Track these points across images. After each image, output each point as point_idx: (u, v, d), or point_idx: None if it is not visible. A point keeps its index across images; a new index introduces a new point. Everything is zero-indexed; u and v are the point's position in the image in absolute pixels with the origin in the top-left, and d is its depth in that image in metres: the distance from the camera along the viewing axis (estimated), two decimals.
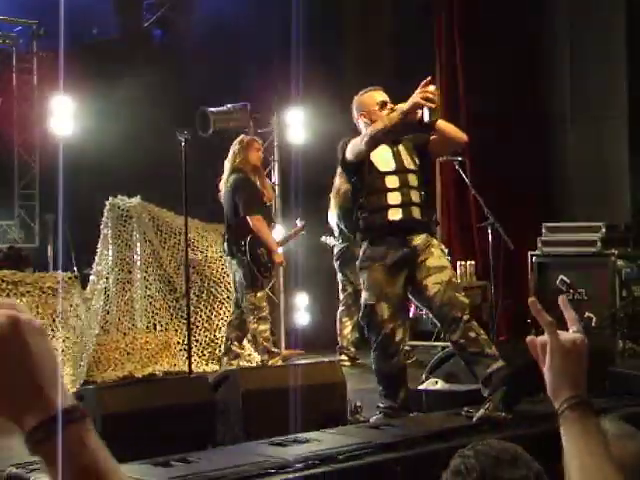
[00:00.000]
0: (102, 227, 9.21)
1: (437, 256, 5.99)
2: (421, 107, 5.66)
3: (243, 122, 10.64)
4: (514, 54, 10.72)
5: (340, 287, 9.54)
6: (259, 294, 8.29)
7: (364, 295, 5.96)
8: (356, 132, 6.17)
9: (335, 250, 9.48)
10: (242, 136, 8.66)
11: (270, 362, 8.27)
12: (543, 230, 9.55)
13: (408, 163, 6.06)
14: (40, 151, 10.91)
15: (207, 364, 9.44)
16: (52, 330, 7.89)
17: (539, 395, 5.55)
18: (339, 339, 9.54)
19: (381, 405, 5.98)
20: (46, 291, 7.94)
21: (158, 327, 9.41)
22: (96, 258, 9.14)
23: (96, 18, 11.59)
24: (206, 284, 9.55)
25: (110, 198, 9.24)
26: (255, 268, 8.16)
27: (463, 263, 9.93)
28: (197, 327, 9.30)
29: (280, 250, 8.58)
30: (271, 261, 8.26)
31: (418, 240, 5.92)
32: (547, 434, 2.41)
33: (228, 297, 9.75)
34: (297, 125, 10.83)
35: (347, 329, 9.44)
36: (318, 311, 11.00)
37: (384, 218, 5.92)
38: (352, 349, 9.30)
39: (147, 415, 4.90)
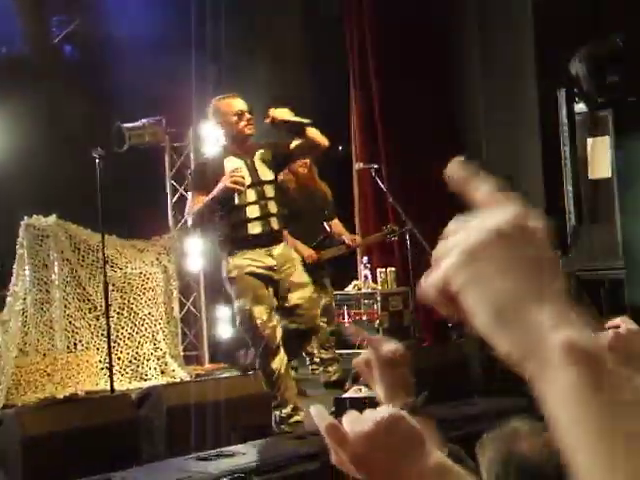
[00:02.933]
0: (17, 247, 9.07)
1: (300, 271, 6.36)
2: (232, 191, 5.99)
3: (158, 137, 10.59)
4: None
5: None
6: None
7: (238, 303, 6.15)
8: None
9: None
10: None
11: None
12: None
13: (264, 175, 6.27)
14: None
15: (130, 382, 9.36)
16: None
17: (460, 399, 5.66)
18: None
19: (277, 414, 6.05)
20: None
21: (79, 346, 9.29)
22: (12, 279, 8.99)
23: (3, 36, 11.41)
24: (126, 301, 9.46)
25: (25, 218, 9.11)
26: None
27: (383, 270, 9.99)
28: (119, 345, 9.20)
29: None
30: None
31: (278, 250, 6.24)
32: (470, 437, 2.43)
33: (150, 313, 9.68)
34: (212, 138, 10.80)
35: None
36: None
37: (245, 231, 6.16)
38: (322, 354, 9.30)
39: (69, 436, 4.84)
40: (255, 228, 6.19)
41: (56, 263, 9.23)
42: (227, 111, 6.29)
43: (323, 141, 6.31)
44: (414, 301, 9.04)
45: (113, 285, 9.00)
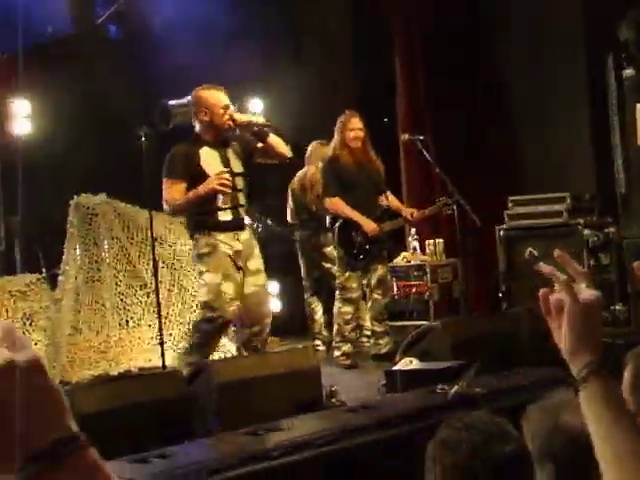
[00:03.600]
0: (68, 226, 9.14)
1: (257, 257, 6.67)
2: (217, 192, 6.24)
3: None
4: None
5: (304, 273, 9.54)
6: (347, 274, 8.26)
7: (207, 276, 6.38)
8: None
9: (298, 236, 9.53)
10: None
11: (339, 346, 8.29)
12: (509, 204, 9.57)
13: (235, 167, 6.49)
14: (1, 154, 10.80)
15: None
16: (23, 332, 7.83)
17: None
18: (311, 324, 9.54)
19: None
20: (14, 294, 7.89)
21: (131, 323, 9.37)
22: (64, 258, 9.08)
23: (50, 16, 11.48)
24: (176, 277, 9.52)
25: (74, 197, 9.18)
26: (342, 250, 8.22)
27: (431, 242, 9.95)
28: (170, 321, 9.27)
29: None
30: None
31: (245, 235, 6.51)
32: (518, 407, 2.41)
33: (196, 290, 9.73)
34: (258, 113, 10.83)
35: (317, 314, 9.45)
36: (290, 297, 10.99)
37: (215, 219, 6.41)
38: (325, 333, 9.30)
39: (122, 413, 4.88)
40: (225, 216, 6.43)
41: (106, 241, 9.30)
42: (214, 102, 6.46)
43: (284, 151, 6.60)
44: (463, 272, 9.00)
45: (162, 262, 9.05)
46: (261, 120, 6.61)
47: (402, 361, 6.47)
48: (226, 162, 6.47)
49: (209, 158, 6.43)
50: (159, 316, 6.24)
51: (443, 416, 4.26)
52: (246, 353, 6.49)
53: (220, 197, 6.40)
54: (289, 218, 9.70)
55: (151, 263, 8.61)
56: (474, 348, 6.18)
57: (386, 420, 4.92)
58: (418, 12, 10.87)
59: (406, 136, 8.86)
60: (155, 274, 6.24)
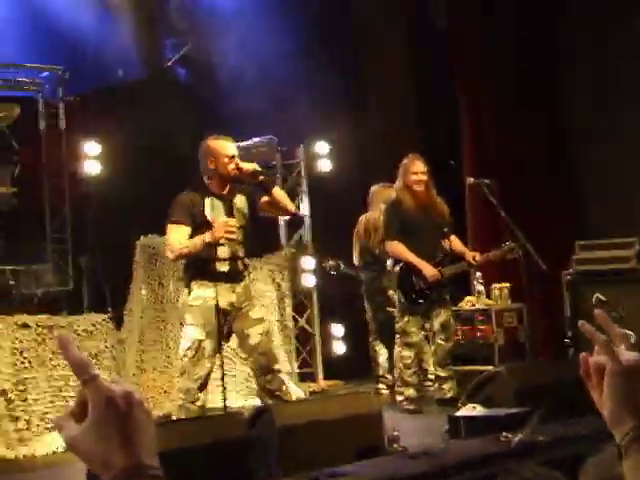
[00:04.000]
0: (134, 267, 9.25)
1: (258, 308, 6.81)
2: (221, 240, 6.24)
3: (269, 155, 10.70)
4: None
5: (369, 316, 9.50)
6: (406, 319, 8.25)
7: (192, 330, 6.37)
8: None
9: (363, 279, 9.50)
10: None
11: (401, 391, 8.26)
12: (576, 248, 9.46)
13: (238, 220, 6.50)
14: (70, 194, 10.99)
15: (245, 399, 9.44)
16: None
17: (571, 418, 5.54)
18: (375, 367, 9.49)
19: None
20: (81, 334, 7.96)
21: None
22: (129, 298, 9.17)
23: (121, 60, 11.71)
24: None
25: (141, 237, 9.29)
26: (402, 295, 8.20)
27: (497, 286, 9.86)
28: (234, 362, 9.29)
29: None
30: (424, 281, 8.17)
31: (240, 288, 6.53)
32: (580, 457, 2.36)
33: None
34: (323, 156, 10.90)
35: (381, 357, 9.40)
36: (354, 340, 10.97)
37: (213, 267, 6.40)
38: (389, 377, 9.24)
39: (182, 454, 4.88)
40: (223, 267, 6.43)
41: (171, 282, 9.38)
42: (221, 152, 6.49)
43: (288, 205, 6.70)
44: (529, 317, 8.90)
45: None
46: (257, 169, 6.62)
47: (466, 407, 6.40)
48: (230, 213, 6.50)
49: (214, 208, 6.48)
50: (221, 357, 6.24)
51: (506, 464, 4.21)
52: (269, 400, 6.46)
53: (219, 248, 6.42)
54: (355, 260, 9.69)
55: None
56: (539, 395, 6.08)
57: (447, 467, 4.86)
58: (482, 61, 10.89)
59: (471, 179, 8.81)
60: (217, 316, 6.24)
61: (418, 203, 8.22)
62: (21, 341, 7.58)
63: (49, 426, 7.61)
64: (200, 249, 6.31)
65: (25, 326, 7.64)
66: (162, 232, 9.25)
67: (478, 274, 9.89)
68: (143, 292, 9.23)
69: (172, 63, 11.86)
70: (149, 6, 11.67)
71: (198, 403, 6.38)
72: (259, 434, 5.31)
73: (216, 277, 6.38)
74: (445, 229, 8.33)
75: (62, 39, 10.90)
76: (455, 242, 8.41)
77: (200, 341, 6.33)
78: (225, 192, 6.56)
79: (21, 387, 7.52)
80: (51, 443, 7.46)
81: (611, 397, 1.55)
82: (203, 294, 6.38)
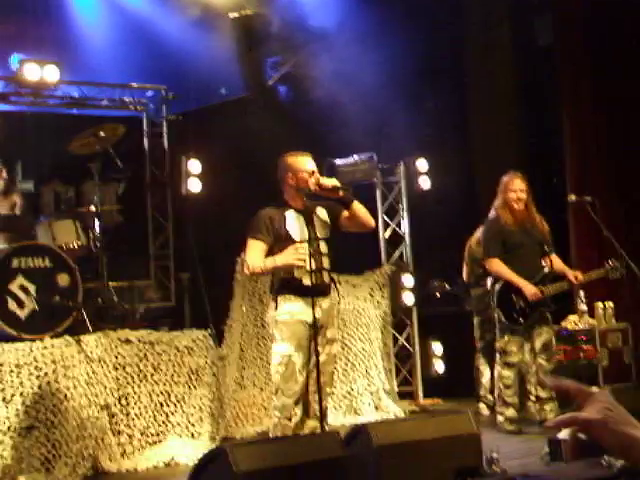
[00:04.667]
0: (234, 284, 9.33)
1: (335, 327, 6.69)
2: (292, 266, 6.27)
3: (369, 173, 10.70)
4: None
5: (477, 334, 9.39)
6: (506, 338, 8.20)
7: (282, 346, 6.36)
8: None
9: (473, 295, 9.40)
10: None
11: (501, 411, 8.20)
12: None
13: (320, 232, 6.53)
14: (172, 212, 11.17)
15: (344, 416, 9.44)
16: (189, 387, 7.99)
17: None
18: (477, 386, 9.39)
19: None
20: (181, 350, 8.06)
21: None
22: (230, 314, 9.26)
23: (223, 79, 11.87)
24: (340, 336, 9.55)
25: (241, 254, 9.37)
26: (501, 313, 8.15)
27: (602, 305, 9.67)
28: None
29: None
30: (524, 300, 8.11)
31: (326, 304, 6.52)
32: None
33: (363, 348, 9.74)
34: (423, 174, 10.86)
35: (485, 377, 9.29)
36: (454, 358, 10.88)
37: (298, 283, 6.39)
38: (490, 397, 9.12)
39: (280, 472, 4.89)
40: (307, 280, 6.40)
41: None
42: (300, 168, 6.50)
43: (369, 221, 6.64)
44: (634, 337, 8.70)
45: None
46: (337, 184, 6.61)
47: (567, 430, 6.26)
48: (311, 226, 6.51)
49: (295, 221, 6.49)
50: (318, 375, 6.23)
51: None
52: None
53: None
54: (464, 276, 9.58)
55: None
56: None
57: None
58: (583, 72, 10.74)
59: (573, 197, 8.66)
60: (314, 333, 6.25)
61: (518, 221, 8.12)
62: (123, 356, 7.72)
63: (150, 440, 7.72)
64: (271, 270, 6.39)
65: (127, 341, 7.78)
66: None
67: (582, 292, 9.72)
68: (243, 309, 9.31)
69: (273, 82, 11.96)
70: (252, 26, 11.80)
71: (295, 419, 6.34)
72: (355, 454, 5.29)
73: (301, 291, 6.39)
74: (546, 247, 8.20)
75: (166, 59, 11.10)
76: (556, 261, 8.27)
77: (289, 356, 6.33)
78: (305, 206, 6.57)
79: (123, 402, 7.65)
80: (152, 457, 7.57)
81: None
82: (289, 308, 6.39)
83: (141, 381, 7.76)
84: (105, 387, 7.50)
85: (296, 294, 6.41)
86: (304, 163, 6.56)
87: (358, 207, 6.60)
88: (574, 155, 10.81)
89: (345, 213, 6.58)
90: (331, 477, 5.05)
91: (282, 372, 6.36)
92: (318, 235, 6.55)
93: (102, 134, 8.67)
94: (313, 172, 6.52)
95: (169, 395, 7.89)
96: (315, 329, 6.30)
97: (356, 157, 10.70)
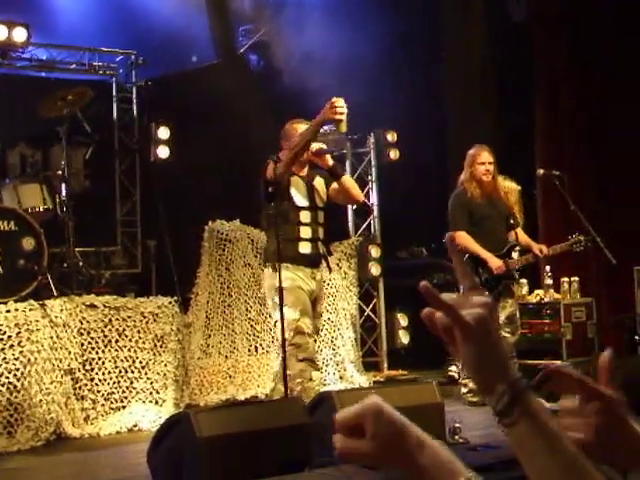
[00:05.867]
0: (202, 252, 9.31)
1: (323, 300, 6.92)
2: (331, 119, 6.16)
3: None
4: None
5: None
6: None
7: (288, 312, 6.31)
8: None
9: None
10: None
11: (465, 382, 8.18)
12: None
13: (319, 201, 6.63)
14: (140, 178, 11.10)
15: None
16: (153, 354, 7.97)
17: None
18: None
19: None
20: (147, 316, 8.03)
21: (259, 350, 9.46)
22: (196, 282, 9.24)
23: (194, 46, 11.78)
24: None
25: (209, 222, 9.34)
26: None
27: (567, 279, 9.72)
28: None
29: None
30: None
31: (319, 275, 6.64)
32: None
33: (329, 319, 9.74)
34: (393, 145, 10.84)
35: None
36: (420, 330, 10.91)
37: (296, 249, 6.46)
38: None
39: (243, 438, 4.89)
40: (305, 248, 6.48)
41: (238, 267, 9.42)
42: (294, 134, 6.60)
43: (358, 194, 6.76)
44: (598, 312, 8.76)
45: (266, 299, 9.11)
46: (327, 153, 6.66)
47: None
48: (311, 194, 6.58)
49: (296, 187, 6.56)
50: (283, 343, 6.22)
51: None
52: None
53: (302, 228, 6.48)
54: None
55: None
56: None
57: (508, 459, 4.79)
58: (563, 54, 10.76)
59: (541, 171, 8.69)
60: (280, 302, 6.23)
61: (484, 194, 8.13)
62: (88, 321, 7.68)
63: (114, 406, 7.70)
64: (309, 136, 6.32)
65: (92, 307, 7.73)
66: (230, 218, 9.37)
67: (547, 267, 9.77)
68: (210, 277, 9.28)
69: (244, 50, 11.88)
70: None
71: (316, 383, 6.38)
72: (320, 421, 5.30)
73: (298, 260, 6.45)
74: (511, 221, 8.23)
75: (136, 24, 10.99)
76: (521, 234, 8.30)
77: (296, 320, 6.38)
78: (304, 174, 6.64)
79: (87, 367, 7.62)
80: (116, 423, 7.55)
81: (470, 364, 1.36)
82: (291, 275, 6.41)
83: (106, 346, 7.73)
84: (69, 352, 7.46)
85: (294, 263, 6.44)
86: (297, 129, 6.62)
87: (348, 180, 6.71)
88: (545, 131, 10.83)
89: (335, 185, 6.59)
90: (294, 443, 5.06)
91: (290, 338, 6.34)
92: (317, 204, 6.63)
93: (70, 98, 8.57)
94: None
95: (133, 361, 7.86)
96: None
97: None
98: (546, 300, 9.62)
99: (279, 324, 6.33)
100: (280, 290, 6.19)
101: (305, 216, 6.56)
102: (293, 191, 6.54)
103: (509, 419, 1.33)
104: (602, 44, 10.45)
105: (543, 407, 1.34)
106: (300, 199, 6.54)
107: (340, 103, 6.10)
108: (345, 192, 6.62)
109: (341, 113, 6.08)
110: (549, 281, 9.73)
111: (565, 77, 10.83)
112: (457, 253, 1.52)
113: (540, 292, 9.78)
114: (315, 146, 6.57)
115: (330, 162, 6.57)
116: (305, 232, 6.54)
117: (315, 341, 6.75)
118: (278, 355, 6.75)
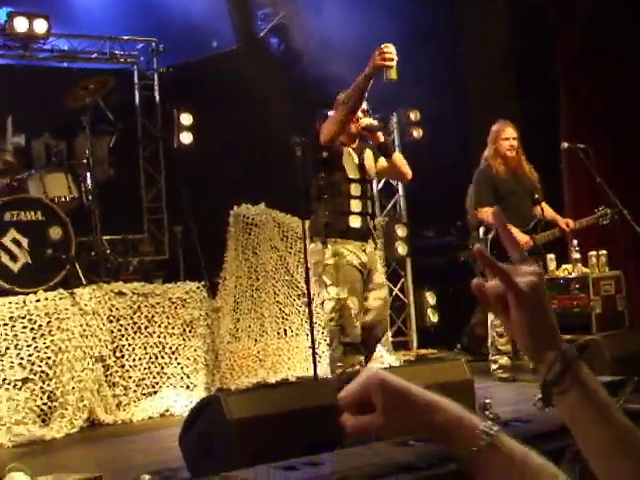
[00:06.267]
0: (228, 237, 9.33)
1: (381, 272, 6.69)
2: (382, 68, 5.89)
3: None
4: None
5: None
6: None
7: (335, 290, 6.24)
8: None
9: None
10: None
11: (495, 359, 8.17)
12: None
13: (369, 174, 6.56)
14: (165, 165, 11.14)
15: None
16: (183, 339, 8.01)
17: None
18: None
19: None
20: (175, 301, 8.07)
21: (289, 332, 9.48)
22: (224, 267, 9.26)
23: (214, 31, 11.77)
24: None
25: (234, 207, 9.36)
26: None
27: (594, 253, 9.67)
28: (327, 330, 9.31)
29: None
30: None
31: (370, 247, 6.46)
32: None
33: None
34: (416, 124, 10.83)
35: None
36: (448, 308, 10.91)
37: (346, 223, 6.34)
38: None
39: (273, 419, 4.91)
40: (355, 222, 6.37)
41: (265, 251, 9.44)
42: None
43: (406, 171, 6.63)
44: (627, 284, 8.70)
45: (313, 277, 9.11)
46: (376, 125, 6.62)
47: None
48: (363, 167, 6.53)
49: (347, 158, 6.49)
50: (311, 325, 6.25)
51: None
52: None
53: (352, 201, 6.41)
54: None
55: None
56: (635, 364, 5.95)
57: (539, 434, 4.78)
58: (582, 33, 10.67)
59: (566, 144, 8.63)
60: (307, 283, 6.25)
61: (509, 170, 8.09)
62: (117, 309, 7.73)
63: (146, 392, 7.75)
64: (360, 88, 6.10)
65: (121, 294, 7.78)
66: (256, 202, 9.38)
67: (575, 242, 9.72)
68: (237, 261, 9.31)
69: (264, 33, 11.87)
70: None
71: (357, 368, 6.16)
72: None
73: (348, 233, 6.35)
74: (536, 195, 8.18)
75: (156, 11, 11.00)
76: (547, 209, 8.25)
77: (344, 299, 6.24)
78: (355, 146, 6.58)
79: (118, 354, 7.67)
80: (147, 408, 7.61)
81: (522, 331, 1.36)
82: (339, 251, 6.31)
83: (135, 333, 7.78)
84: (99, 339, 7.52)
85: (343, 236, 6.34)
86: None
87: (398, 157, 6.66)
88: (569, 106, 10.76)
89: (383, 162, 6.55)
90: (324, 424, 5.07)
91: (336, 318, 6.26)
92: (367, 177, 6.58)
93: (92, 87, 8.61)
94: (362, 113, 6.46)
95: (163, 347, 7.91)
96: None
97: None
98: (574, 274, 9.58)
99: (327, 303, 6.30)
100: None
101: (356, 189, 6.47)
102: (345, 163, 6.47)
103: (560, 387, 1.34)
104: (616, 28, 10.35)
105: (593, 376, 1.36)
106: (351, 171, 6.46)
107: (390, 49, 5.92)
108: (396, 169, 6.60)
109: (391, 59, 5.90)
110: (577, 255, 9.67)
111: (580, 61, 10.74)
112: (503, 226, 1.52)
113: (568, 267, 9.73)
114: (365, 121, 6.51)
115: (382, 139, 6.52)
116: (356, 205, 6.44)
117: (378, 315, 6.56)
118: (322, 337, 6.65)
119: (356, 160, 6.51)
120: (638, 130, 10.19)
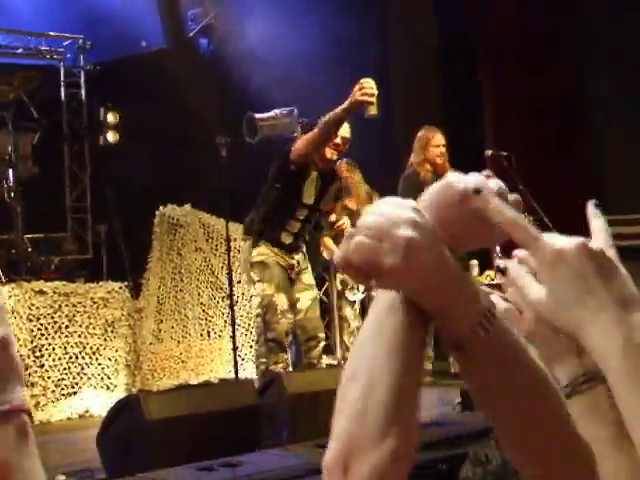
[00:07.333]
0: (153, 237, 9.27)
1: (310, 273, 6.69)
2: (362, 104, 5.84)
3: (290, 127, 10.64)
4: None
5: None
6: None
7: (261, 287, 6.28)
8: None
9: None
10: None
11: None
12: None
13: (322, 204, 6.63)
14: (90, 163, 11.03)
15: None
16: (104, 339, 7.94)
17: None
18: None
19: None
20: (97, 301, 7.99)
21: (212, 334, 9.44)
22: (147, 267, 9.20)
23: (143, 30, 11.68)
24: None
25: (160, 207, 9.30)
26: None
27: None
28: (250, 333, 9.29)
29: None
30: None
31: (298, 256, 6.53)
32: None
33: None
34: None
35: None
36: None
37: (279, 236, 6.40)
38: None
39: (192, 420, 4.90)
40: (287, 239, 6.43)
41: (190, 252, 9.39)
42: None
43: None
44: None
45: (241, 274, 9.10)
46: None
47: None
48: (317, 194, 6.55)
49: (311, 183, 6.51)
50: (233, 326, 6.25)
51: None
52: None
53: (292, 223, 6.45)
54: None
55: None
56: None
57: (456, 437, 4.84)
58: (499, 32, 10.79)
59: (489, 152, 8.73)
60: (230, 285, 6.24)
61: (438, 176, 8.16)
62: (37, 308, 7.63)
63: (65, 392, 7.67)
64: (336, 121, 6.12)
65: (41, 293, 7.68)
66: (181, 203, 9.33)
67: (497, 248, 9.82)
68: (161, 262, 9.25)
69: (194, 34, 11.82)
70: None
71: (281, 365, 6.21)
72: (269, 402, 5.32)
73: (277, 243, 6.40)
74: None
75: (85, 8, 10.88)
76: None
77: (271, 296, 6.26)
78: (325, 172, 6.67)
79: (37, 353, 7.57)
80: (67, 409, 7.53)
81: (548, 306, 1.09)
82: (266, 251, 6.36)
83: (55, 332, 7.68)
84: (18, 339, 7.41)
85: (272, 244, 6.39)
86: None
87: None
88: (493, 110, 10.86)
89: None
90: (244, 425, 5.08)
91: (263, 314, 6.27)
92: (314, 204, 6.54)
93: (16, 83, 8.50)
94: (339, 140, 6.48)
95: (84, 347, 7.83)
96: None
97: (277, 111, 10.56)
98: (497, 281, 9.67)
99: (254, 299, 6.33)
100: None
101: (302, 213, 6.51)
102: (306, 185, 6.44)
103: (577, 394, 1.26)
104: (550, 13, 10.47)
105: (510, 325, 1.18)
106: (307, 196, 6.45)
107: (370, 84, 5.83)
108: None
109: (371, 95, 5.80)
110: (499, 262, 9.77)
111: (503, 55, 10.85)
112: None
113: (490, 273, 9.83)
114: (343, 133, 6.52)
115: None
116: (293, 226, 6.48)
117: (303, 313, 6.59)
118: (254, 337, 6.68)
119: (318, 188, 6.49)
120: (564, 127, 10.34)
